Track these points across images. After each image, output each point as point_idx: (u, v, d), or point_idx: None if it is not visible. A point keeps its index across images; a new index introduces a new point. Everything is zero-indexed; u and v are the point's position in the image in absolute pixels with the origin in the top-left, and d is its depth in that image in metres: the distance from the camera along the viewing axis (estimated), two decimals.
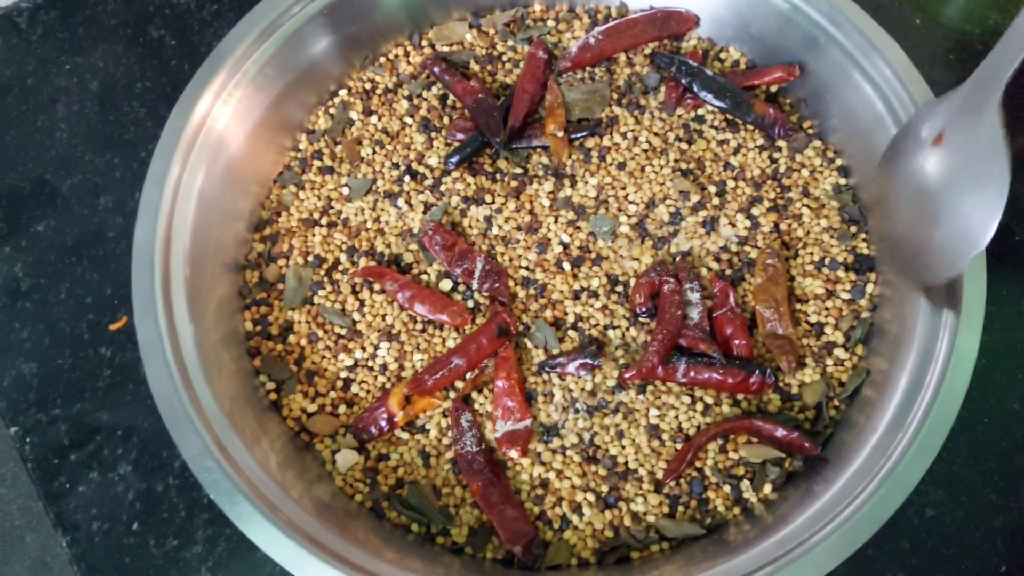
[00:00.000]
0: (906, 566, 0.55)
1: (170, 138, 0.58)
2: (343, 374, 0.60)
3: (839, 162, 0.65)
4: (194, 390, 0.52)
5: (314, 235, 0.64)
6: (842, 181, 0.64)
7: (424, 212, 0.64)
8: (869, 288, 0.61)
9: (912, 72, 0.59)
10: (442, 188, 0.65)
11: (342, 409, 0.59)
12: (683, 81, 0.66)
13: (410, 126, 0.67)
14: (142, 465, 0.58)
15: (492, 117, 0.65)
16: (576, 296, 0.61)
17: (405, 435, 0.58)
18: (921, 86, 0.58)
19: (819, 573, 0.47)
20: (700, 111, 0.67)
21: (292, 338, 0.61)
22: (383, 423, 0.57)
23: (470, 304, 0.61)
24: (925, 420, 0.50)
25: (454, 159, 0.65)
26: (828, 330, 0.59)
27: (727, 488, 0.55)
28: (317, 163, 0.66)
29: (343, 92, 0.69)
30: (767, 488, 0.55)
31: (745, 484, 0.55)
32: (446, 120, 0.67)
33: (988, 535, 0.56)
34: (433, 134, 0.67)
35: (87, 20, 0.75)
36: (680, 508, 0.55)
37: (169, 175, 0.57)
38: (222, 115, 0.60)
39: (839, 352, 0.59)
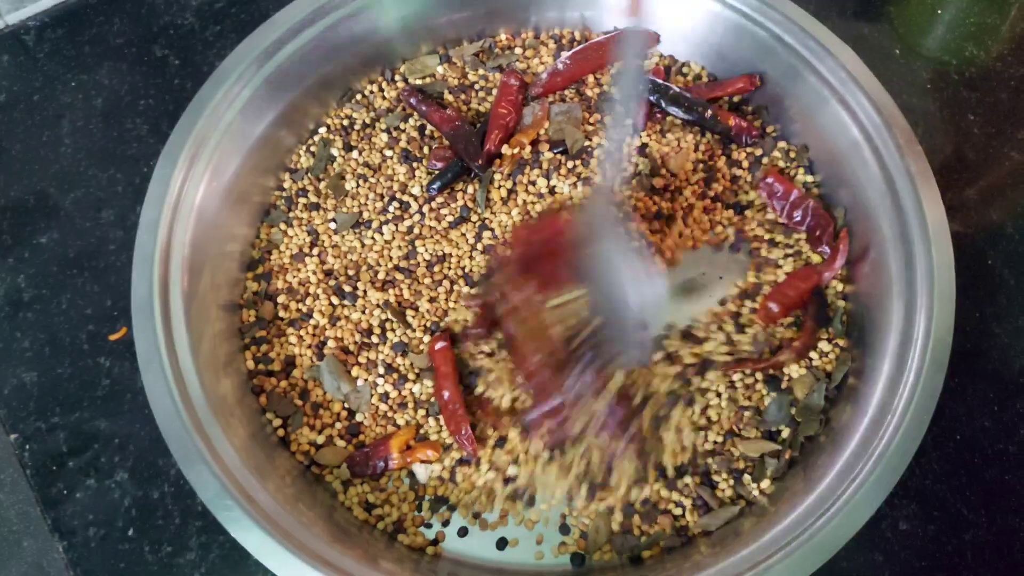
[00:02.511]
0: None
1: (173, 150, 0.59)
2: (347, 404, 0.61)
3: (804, 161, 0.68)
4: (190, 399, 0.53)
5: (305, 265, 0.65)
6: (809, 178, 0.67)
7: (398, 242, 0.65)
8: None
9: (866, 73, 0.62)
10: (427, 213, 0.66)
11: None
12: (651, 98, 0.69)
13: (391, 158, 0.69)
14: (138, 473, 0.60)
15: (470, 143, 0.67)
16: None
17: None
18: (873, 83, 0.62)
19: None
20: (668, 124, 0.70)
21: (296, 372, 0.62)
22: (380, 463, 0.58)
23: None
24: (899, 429, 0.51)
25: (435, 185, 0.67)
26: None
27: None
28: (303, 200, 0.67)
29: (322, 130, 0.70)
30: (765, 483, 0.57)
31: (746, 478, 0.58)
32: (426, 150, 0.69)
33: (959, 548, 0.58)
34: (415, 164, 0.68)
35: (93, 39, 0.77)
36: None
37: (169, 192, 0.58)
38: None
39: (823, 344, 0.61)
